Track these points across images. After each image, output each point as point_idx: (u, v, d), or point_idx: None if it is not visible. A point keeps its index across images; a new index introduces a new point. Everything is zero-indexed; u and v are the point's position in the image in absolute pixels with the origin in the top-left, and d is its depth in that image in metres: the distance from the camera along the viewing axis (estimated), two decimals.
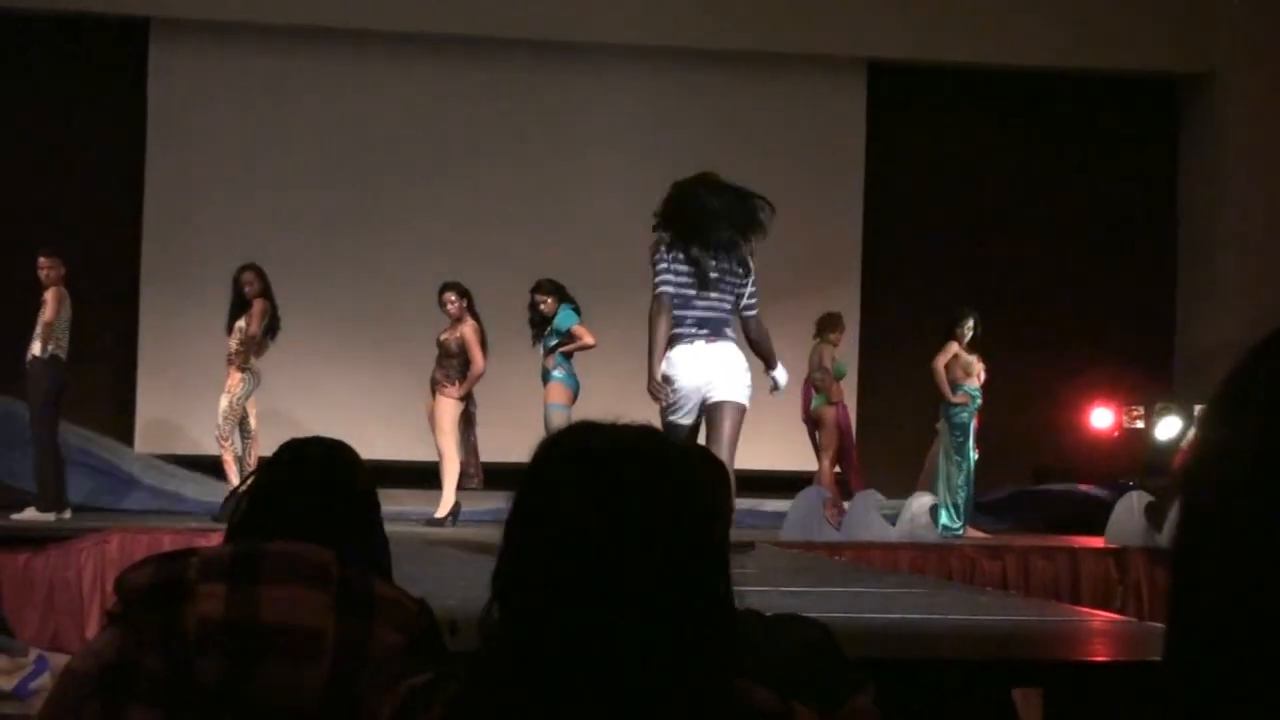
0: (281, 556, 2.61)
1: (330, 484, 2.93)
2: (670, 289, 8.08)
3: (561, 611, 1.75)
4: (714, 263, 8.10)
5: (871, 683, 3.07)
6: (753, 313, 8.27)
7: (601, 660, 1.73)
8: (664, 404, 8.06)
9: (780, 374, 8.53)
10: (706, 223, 8.08)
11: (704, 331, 8.10)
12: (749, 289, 8.21)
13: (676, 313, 8.08)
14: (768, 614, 3.21)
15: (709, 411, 8.12)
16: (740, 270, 8.19)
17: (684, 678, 1.76)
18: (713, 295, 8.12)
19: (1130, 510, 13.07)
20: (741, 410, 8.12)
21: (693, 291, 8.11)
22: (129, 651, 2.55)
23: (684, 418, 8.10)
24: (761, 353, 8.46)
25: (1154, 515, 12.48)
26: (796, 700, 1.96)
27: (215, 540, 3.04)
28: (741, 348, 8.26)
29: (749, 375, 8.19)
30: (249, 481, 2.97)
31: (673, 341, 8.09)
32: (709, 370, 8.08)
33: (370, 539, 2.94)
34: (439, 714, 1.84)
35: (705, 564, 1.81)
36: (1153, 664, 1.20)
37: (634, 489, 1.80)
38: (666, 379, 8.08)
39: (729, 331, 8.19)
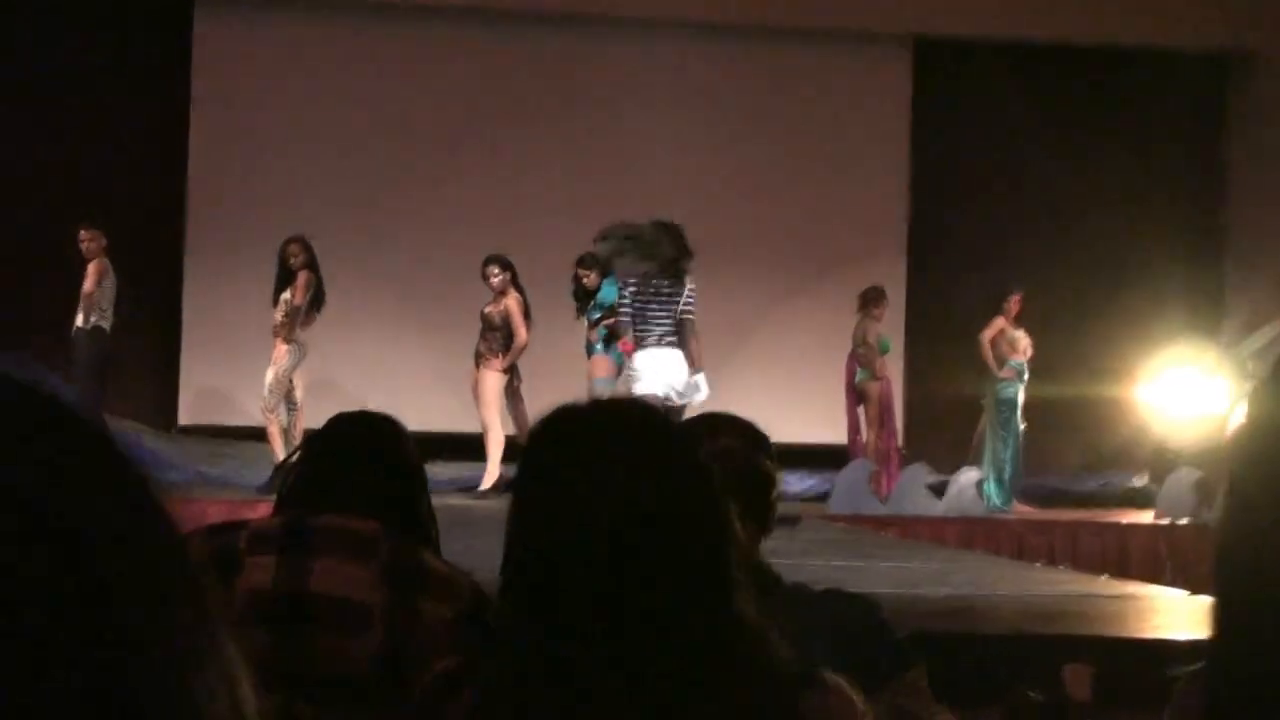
0: (330, 529, 2.61)
1: (377, 458, 2.92)
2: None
3: (562, 595, 1.73)
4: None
5: (922, 659, 3.05)
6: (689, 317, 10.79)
7: (609, 640, 1.71)
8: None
9: (701, 381, 10.67)
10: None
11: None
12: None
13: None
14: (815, 588, 3.19)
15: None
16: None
17: (694, 640, 1.74)
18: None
19: (1180, 485, 13.01)
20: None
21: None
22: None
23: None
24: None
25: (1203, 491, 12.42)
26: (835, 673, 1.94)
27: (261, 512, 3.03)
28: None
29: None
30: (297, 454, 2.97)
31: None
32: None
33: (417, 512, 2.93)
34: (469, 701, 1.83)
35: (695, 524, 1.78)
36: (1202, 640, 1.18)
37: (609, 459, 1.78)
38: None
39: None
